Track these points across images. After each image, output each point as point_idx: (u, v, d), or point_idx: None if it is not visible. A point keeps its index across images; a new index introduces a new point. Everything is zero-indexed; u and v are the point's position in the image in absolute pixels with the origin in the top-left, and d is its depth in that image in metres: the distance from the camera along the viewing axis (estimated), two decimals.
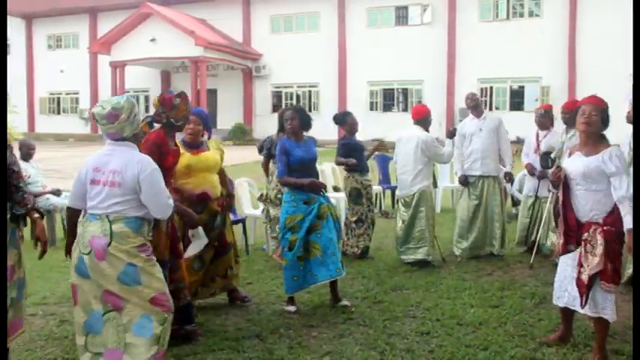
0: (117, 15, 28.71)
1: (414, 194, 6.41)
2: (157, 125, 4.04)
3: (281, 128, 6.27)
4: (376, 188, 10.12)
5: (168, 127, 4.04)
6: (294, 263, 4.85)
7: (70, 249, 3.44)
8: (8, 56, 33.59)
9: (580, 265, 3.80)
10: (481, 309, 4.87)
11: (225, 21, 28.42)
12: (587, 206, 3.80)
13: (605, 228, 3.72)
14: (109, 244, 3.17)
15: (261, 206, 7.05)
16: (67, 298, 4.78)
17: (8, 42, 33.91)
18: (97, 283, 3.19)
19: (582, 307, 3.83)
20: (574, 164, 3.88)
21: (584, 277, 3.76)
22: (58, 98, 33.11)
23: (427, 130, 6.51)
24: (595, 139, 3.86)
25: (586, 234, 3.78)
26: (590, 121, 3.83)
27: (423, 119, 6.52)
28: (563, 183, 3.91)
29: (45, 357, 4.01)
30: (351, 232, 6.81)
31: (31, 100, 33.29)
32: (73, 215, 3.47)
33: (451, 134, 6.73)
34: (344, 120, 6.96)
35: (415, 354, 3.99)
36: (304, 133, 5.15)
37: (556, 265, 6.15)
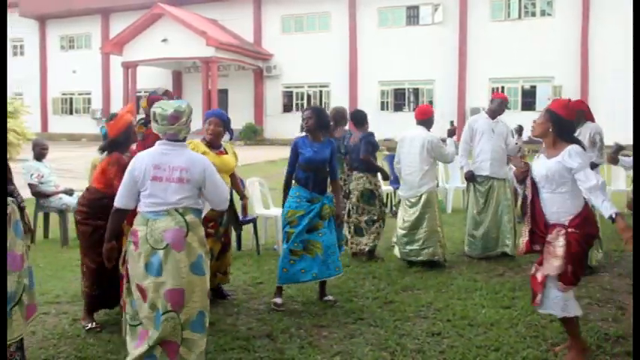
0: (129, 16, 28.90)
1: (421, 195, 6.37)
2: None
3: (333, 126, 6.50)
4: (387, 188, 10.11)
5: None
6: (285, 255, 4.98)
7: (111, 255, 3.59)
8: (22, 57, 33.96)
9: (540, 264, 3.80)
10: (492, 310, 4.84)
11: (237, 21, 28.50)
12: (553, 208, 3.78)
13: (569, 230, 3.69)
14: (186, 235, 3.36)
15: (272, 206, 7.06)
16: (80, 297, 4.82)
17: (22, 43, 34.25)
18: (165, 280, 3.31)
19: (533, 303, 3.88)
20: (538, 167, 3.87)
21: (539, 276, 3.78)
22: (71, 98, 33.37)
23: (429, 131, 6.48)
24: (555, 142, 3.83)
25: (550, 235, 3.77)
26: (534, 126, 3.92)
27: (427, 120, 6.48)
28: (533, 183, 3.90)
29: (58, 355, 4.04)
30: (360, 232, 6.71)
31: (44, 100, 33.58)
32: (121, 217, 3.59)
33: (451, 133, 6.73)
34: (366, 121, 6.85)
35: (426, 355, 3.98)
36: (322, 135, 5.18)
37: None
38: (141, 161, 3.45)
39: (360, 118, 6.83)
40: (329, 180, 5.20)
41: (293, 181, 5.15)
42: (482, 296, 5.23)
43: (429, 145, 6.31)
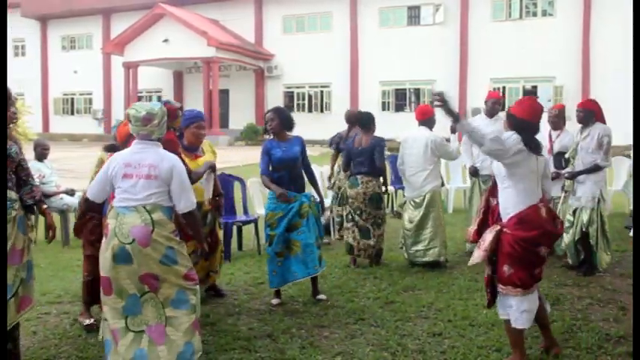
0: (130, 16, 28.90)
1: (425, 195, 6.39)
2: None
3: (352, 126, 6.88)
4: (388, 188, 10.11)
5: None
6: (272, 258, 5.10)
7: (80, 229, 4.12)
8: (23, 57, 33.98)
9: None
10: (493, 310, 4.83)
11: (238, 21, 28.49)
12: (501, 204, 3.79)
13: (503, 229, 3.67)
14: (152, 231, 3.47)
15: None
16: (81, 297, 4.82)
17: (23, 43, 34.27)
18: (137, 268, 3.46)
19: (488, 306, 3.92)
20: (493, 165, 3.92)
21: (486, 274, 3.82)
22: (72, 99, 33.38)
23: (431, 130, 6.48)
24: None
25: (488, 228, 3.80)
26: None
27: (428, 119, 6.49)
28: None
29: (59, 355, 4.05)
30: (367, 235, 6.44)
31: (45, 100, 33.59)
32: (89, 206, 3.84)
33: (454, 129, 6.71)
34: (373, 124, 6.61)
35: (427, 355, 3.98)
36: (288, 133, 5.29)
37: (570, 266, 6.18)
38: (115, 160, 3.63)
39: (366, 121, 6.62)
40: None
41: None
42: (483, 296, 5.18)
43: (433, 144, 6.33)
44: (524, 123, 3.75)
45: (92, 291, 4.53)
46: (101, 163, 4.30)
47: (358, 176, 6.46)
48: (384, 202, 6.72)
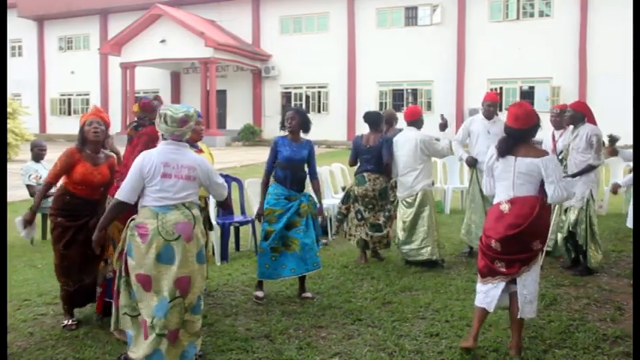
0: (127, 16, 28.88)
1: (416, 194, 6.44)
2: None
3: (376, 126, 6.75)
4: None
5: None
6: (267, 252, 5.19)
7: (101, 242, 3.94)
8: (20, 58, 33.93)
9: None
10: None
11: (235, 22, 28.49)
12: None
13: None
14: (194, 227, 3.67)
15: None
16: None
17: (20, 44, 34.22)
18: (176, 269, 3.59)
19: None
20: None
21: None
22: (69, 99, 33.33)
23: (420, 130, 6.59)
24: None
25: None
26: None
27: (417, 120, 6.60)
28: None
29: (56, 356, 4.04)
30: (379, 229, 6.60)
31: (42, 101, 33.55)
32: (121, 210, 3.76)
33: (443, 127, 6.79)
34: (381, 123, 6.77)
35: (424, 355, 3.98)
36: (302, 135, 5.37)
37: (566, 267, 6.19)
38: (150, 159, 3.66)
39: (375, 120, 6.70)
40: (309, 179, 5.42)
41: (272, 179, 5.33)
42: None
43: (422, 144, 6.41)
44: (509, 129, 4.02)
45: (73, 299, 4.57)
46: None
47: (365, 174, 6.57)
48: (394, 192, 6.78)
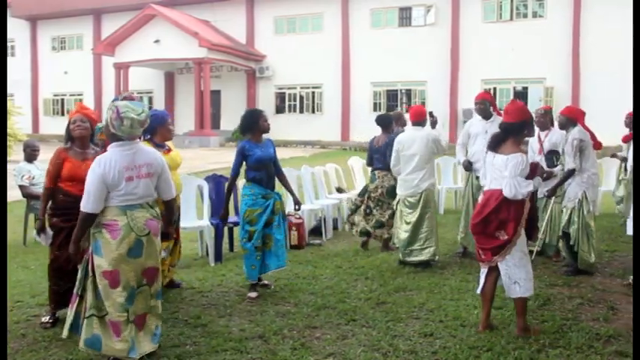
0: (121, 16, 28.77)
1: (421, 193, 6.44)
2: None
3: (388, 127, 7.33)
4: None
5: None
6: (252, 253, 5.36)
7: (78, 254, 3.86)
8: (13, 58, 33.76)
9: None
10: None
11: (229, 22, 28.43)
12: None
13: None
14: (159, 224, 3.88)
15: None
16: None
17: (13, 44, 34.06)
18: (143, 261, 3.77)
19: None
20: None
21: None
22: (62, 99, 33.21)
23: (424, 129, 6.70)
24: None
25: None
26: None
27: (423, 120, 6.66)
28: None
29: (48, 358, 4.02)
30: (381, 225, 7.25)
31: (35, 101, 33.40)
32: (92, 221, 3.74)
33: (433, 124, 6.94)
34: (391, 124, 7.42)
35: (418, 355, 3.99)
36: (263, 135, 5.66)
37: (563, 266, 6.20)
38: (110, 166, 3.68)
39: (385, 122, 7.38)
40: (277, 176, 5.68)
41: (246, 181, 5.51)
42: (474, 297, 5.23)
43: (433, 143, 6.51)
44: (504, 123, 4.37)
45: (61, 300, 4.59)
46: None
47: (376, 172, 7.33)
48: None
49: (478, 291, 4.48)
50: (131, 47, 26.77)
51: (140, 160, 3.78)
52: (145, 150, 3.90)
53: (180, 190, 5.39)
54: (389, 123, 7.38)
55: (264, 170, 5.46)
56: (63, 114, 33.01)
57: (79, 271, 3.86)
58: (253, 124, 5.54)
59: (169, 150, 5.27)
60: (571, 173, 5.94)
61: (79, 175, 4.46)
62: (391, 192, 7.04)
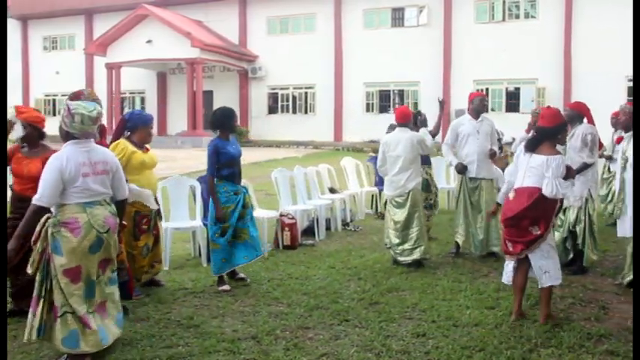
0: (113, 16, 28.65)
1: (408, 192, 6.47)
2: None
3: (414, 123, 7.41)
4: (372, 189, 10.16)
5: None
6: (224, 247, 5.55)
7: (18, 251, 3.80)
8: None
9: None
10: (477, 310, 4.87)
11: (222, 22, 28.38)
12: None
13: None
14: (116, 220, 4.00)
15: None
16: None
17: None
18: (100, 254, 3.88)
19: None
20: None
21: None
22: (54, 100, 33.04)
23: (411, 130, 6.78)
24: None
25: None
26: None
27: (409, 122, 6.70)
28: None
29: (40, 359, 4.00)
30: None
31: (26, 101, 33.19)
32: (42, 216, 3.76)
33: (423, 123, 7.20)
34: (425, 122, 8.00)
35: (411, 355, 3.99)
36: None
37: (564, 264, 6.22)
38: (67, 162, 3.75)
39: (415, 119, 7.62)
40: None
41: (217, 179, 5.61)
42: (466, 297, 5.26)
43: (418, 143, 6.52)
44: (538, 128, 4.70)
45: (24, 294, 4.53)
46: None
47: None
48: (433, 185, 7.84)
49: (503, 280, 4.76)
50: (123, 47, 26.66)
51: (96, 157, 3.88)
52: (100, 149, 4.02)
53: (156, 188, 5.54)
54: (414, 119, 7.71)
55: (235, 167, 5.64)
56: (55, 114, 32.79)
57: (37, 274, 3.80)
58: (229, 122, 5.72)
59: (148, 149, 5.43)
60: (586, 167, 5.98)
61: (20, 172, 4.62)
62: (425, 184, 7.36)
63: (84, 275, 3.82)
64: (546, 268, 4.49)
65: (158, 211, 5.54)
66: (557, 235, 6.20)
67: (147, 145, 5.46)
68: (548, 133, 4.58)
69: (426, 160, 7.35)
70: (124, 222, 4.88)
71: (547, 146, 4.56)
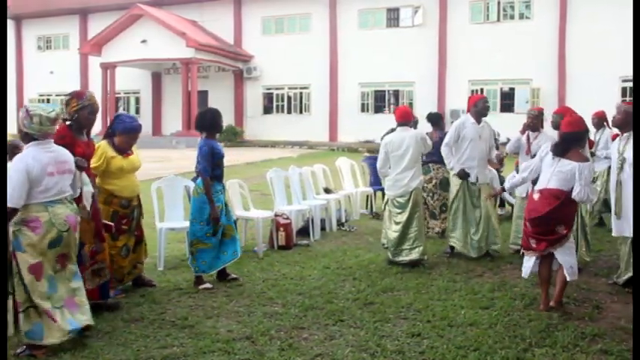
0: (107, 16, 28.58)
1: (411, 192, 6.46)
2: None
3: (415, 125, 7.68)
4: (367, 190, 10.16)
5: (72, 123, 4.61)
6: (215, 246, 5.66)
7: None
8: None
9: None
10: (472, 310, 4.88)
11: (217, 22, 28.35)
12: None
13: None
14: (78, 218, 4.14)
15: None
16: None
17: None
18: (59, 249, 3.99)
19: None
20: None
21: None
22: (48, 100, 32.86)
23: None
24: None
25: None
26: None
27: (410, 121, 6.73)
28: None
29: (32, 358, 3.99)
30: (433, 216, 7.97)
31: (20, 101, 33.06)
32: (12, 217, 3.85)
33: (415, 124, 7.25)
34: (441, 120, 8.39)
35: (406, 355, 4.00)
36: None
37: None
38: (32, 162, 3.85)
39: (436, 120, 8.30)
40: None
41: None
42: (461, 297, 5.27)
43: (422, 141, 6.59)
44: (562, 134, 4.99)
45: None
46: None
47: (430, 164, 7.93)
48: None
49: (524, 275, 5.02)
50: (118, 47, 26.60)
51: (59, 157, 4.02)
52: (61, 149, 4.11)
53: (136, 192, 5.47)
54: (439, 119, 8.31)
55: (222, 166, 5.78)
56: None
57: (8, 272, 3.95)
58: (217, 122, 5.77)
59: (128, 154, 5.35)
60: None
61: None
62: (445, 184, 7.63)
63: (45, 271, 3.93)
64: (570, 263, 4.79)
65: (141, 212, 5.55)
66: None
67: (132, 149, 5.42)
68: (575, 139, 4.83)
69: (441, 160, 7.23)
70: (110, 223, 5.00)
71: (576, 152, 4.80)
